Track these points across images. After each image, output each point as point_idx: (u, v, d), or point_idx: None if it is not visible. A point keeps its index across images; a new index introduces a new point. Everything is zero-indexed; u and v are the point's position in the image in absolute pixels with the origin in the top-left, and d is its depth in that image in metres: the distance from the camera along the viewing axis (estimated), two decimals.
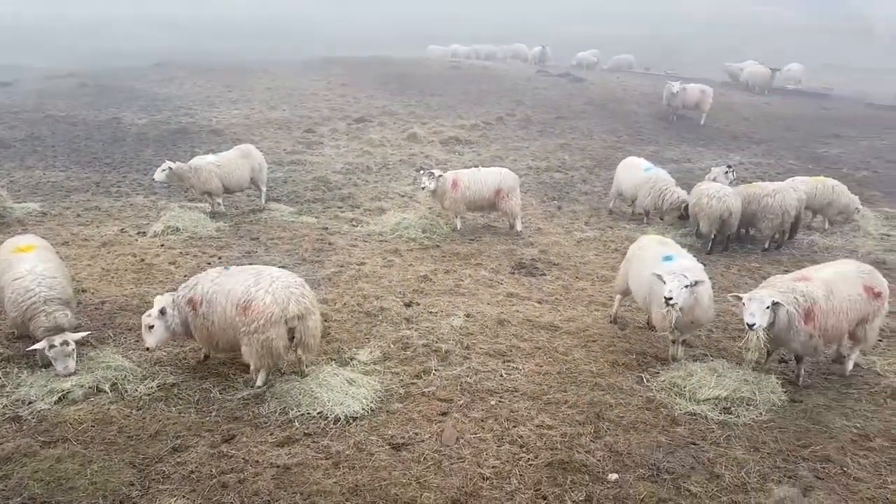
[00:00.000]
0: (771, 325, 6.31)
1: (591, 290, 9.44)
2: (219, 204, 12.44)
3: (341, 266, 9.88)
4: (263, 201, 12.94)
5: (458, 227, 12.02)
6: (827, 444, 5.71)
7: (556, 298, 9.10)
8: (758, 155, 18.82)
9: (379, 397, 6.30)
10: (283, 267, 9.62)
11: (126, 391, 6.30)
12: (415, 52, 37.94)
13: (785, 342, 6.56)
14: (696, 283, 6.57)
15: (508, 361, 7.11)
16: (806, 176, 12.47)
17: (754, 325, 6.14)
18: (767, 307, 6.19)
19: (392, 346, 7.36)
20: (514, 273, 10.00)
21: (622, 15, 66.30)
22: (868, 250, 11.18)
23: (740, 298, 6.40)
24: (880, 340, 7.54)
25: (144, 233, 11.14)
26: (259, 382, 6.42)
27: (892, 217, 13.16)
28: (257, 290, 6.12)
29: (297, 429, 5.80)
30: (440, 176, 11.55)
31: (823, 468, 5.40)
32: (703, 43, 50.76)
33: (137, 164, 15.80)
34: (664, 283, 6.52)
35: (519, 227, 11.99)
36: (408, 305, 8.51)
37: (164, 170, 11.74)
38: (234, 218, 12.22)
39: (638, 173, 12.60)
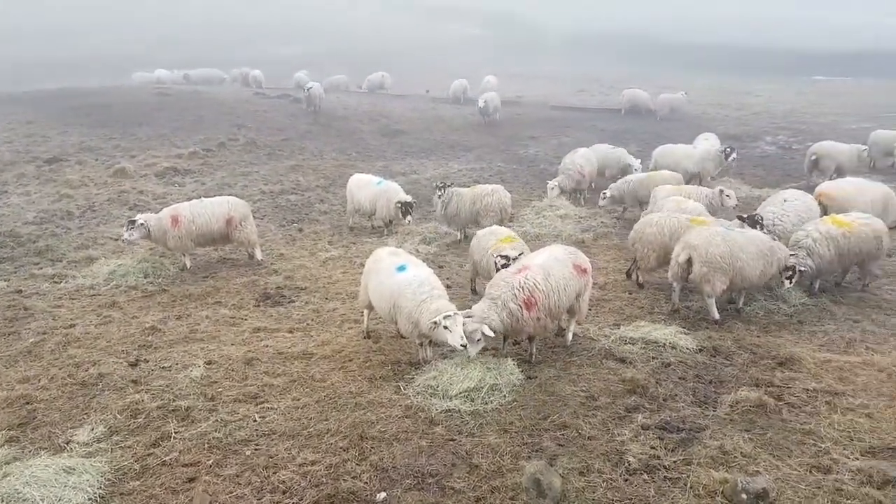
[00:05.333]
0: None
1: (343, 309, 9.34)
2: None
3: (44, 333, 8.35)
4: None
5: (188, 265, 11.04)
6: (562, 411, 6.35)
7: (308, 324, 8.83)
8: (472, 161, 20.65)
9: (108, 480, 5.41)
10: None
11: None
12: (112, 81, 34.29)
13: (519, 332, 7.18)
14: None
15: (262, 403, 6.65)
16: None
17: (470, 357, 6.82)
18: (479, 339, 6.78)
19: (118, 416, 6.38)
20: (259, 305, 9.47)
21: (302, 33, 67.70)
22: (570, 233, 12.91)
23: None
24: (590, 310, 8.68)
25: None
26: None
27: (588, 200, 15.46)
28: None
29: None
30: (142, 224, 10.47)
31: (563, 435, 5.99)
32: (411, 59, 54.50)
33: None
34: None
35: (259, 255, 11.44)
36: (134, 365, 7.49)
37: None
38: None
39: (371, 188, 13.07)
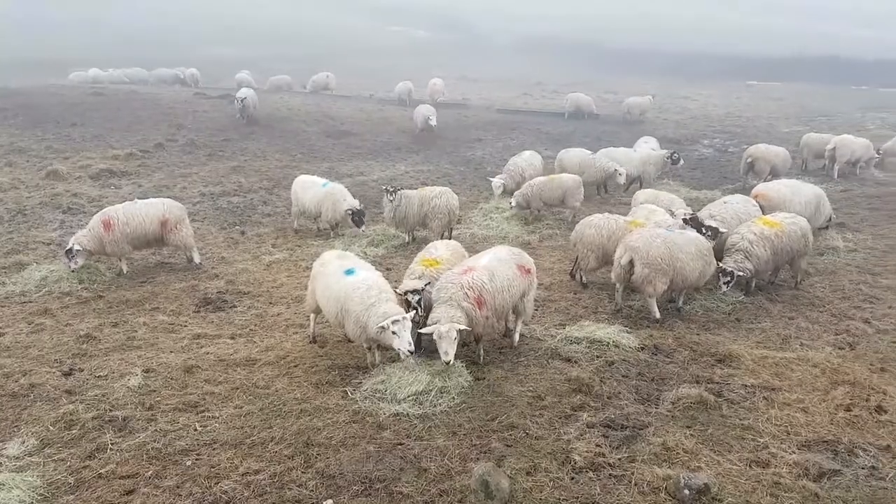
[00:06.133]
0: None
1: (288, 313, 9.16)
2: None
3: None
4: None
5: (125, 270, 10.65)
6: (510, 412, 6.39)
7: (251, 329, 8.62)
8: (419, 163, 20.60)
9: (41, 495, 5.15)
10: None
11: None
12: (44, 81, 32.76)
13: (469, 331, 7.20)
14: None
15: (203, 411, 6.45)
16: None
17: (450, 361, 6.65)
18: (455, 338, 6.69)
19: (51, 428, 6.09)
20: (199, 311, 9.20)
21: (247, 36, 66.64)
22: (516, 234, 13.07)
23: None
24: (536, 310, 8.77)
25: None
26: None
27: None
28: None
29: None
30: (79, 249, 10.10)
31: (510, 435, 6.01)
32: (356, 61, 54.13)
33: None
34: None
35: (197, 258, 11.12)
36: (67, 374, 7.16)
37: None
38: None
39: (317, 190, 12.87)
